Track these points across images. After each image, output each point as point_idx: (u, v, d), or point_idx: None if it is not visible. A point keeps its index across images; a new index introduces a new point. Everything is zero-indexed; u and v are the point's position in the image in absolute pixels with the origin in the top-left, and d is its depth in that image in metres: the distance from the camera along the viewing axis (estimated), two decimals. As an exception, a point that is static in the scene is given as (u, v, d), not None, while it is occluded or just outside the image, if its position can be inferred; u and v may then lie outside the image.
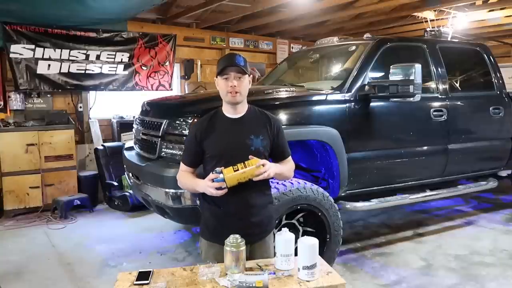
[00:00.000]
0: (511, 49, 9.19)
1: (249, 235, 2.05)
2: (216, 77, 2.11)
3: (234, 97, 2.06)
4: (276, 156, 2.23)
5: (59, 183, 5.54)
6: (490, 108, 4.54)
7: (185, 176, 2.20)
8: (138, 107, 4.03)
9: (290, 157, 2.29)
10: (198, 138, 2.13)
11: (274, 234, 2.15)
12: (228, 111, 2.14)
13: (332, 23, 7.65)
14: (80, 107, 6.29)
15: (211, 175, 1.99)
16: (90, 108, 6.41)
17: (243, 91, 2.08)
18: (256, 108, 2.22)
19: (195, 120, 3.05)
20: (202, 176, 2.14)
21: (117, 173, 5.82)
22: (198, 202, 2.98)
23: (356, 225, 4.87)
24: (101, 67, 6.19)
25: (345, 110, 3.55)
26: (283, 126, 3.18)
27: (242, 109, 2.15)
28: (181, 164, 2.23)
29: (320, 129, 3.38)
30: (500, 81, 4.74)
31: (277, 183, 3.14)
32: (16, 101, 5.66)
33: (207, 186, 2.00)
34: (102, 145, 5.99)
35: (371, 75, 3.76)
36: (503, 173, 4.96)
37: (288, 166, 2.25)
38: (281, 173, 2.17)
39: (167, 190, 3.03)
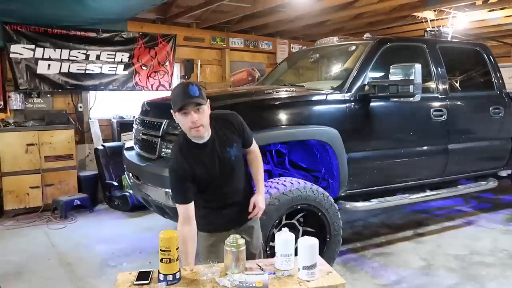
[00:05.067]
0: (511, 49, 9.18)
1: (236, 220, 2.32)
2: (174, 112, 2.03)
3: (198, 131, 2.01)
4: (243, 145, 2.31)
5: (59, 183, 5.54)
6: (490, 108, 4.53)
7: (182, 237, 1.98)
8: (138, 107, 4.02)
9: (254, 144, 2.38)
10: (186, 175, 2.08)
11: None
12: (195, 138, 2.10)
13: (332, 23, 7.65)
14: (80, 107, 6.29)
15: None
16: (90, 108, 6.41)
17: (205, 122, 2.03)
18: (215, 117, 2.15)
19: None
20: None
21: (117, 173, 5.82)
22: None
23: (356, 225, 4.87)
24: (101, 67, 6.19)
25: (345, 110, 3.55)
26: (283, 126, 3.23)
27: (207, 133, 2.10)
28: (178, 207, 2.10)
29: (320, 129, 3.38)
30: (500, 81, 4.74)
31: (277, 183, 3.14)
32: (16, 101, 5.66)
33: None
34: (102, 145, 5.99)
35: (371, 75, 3.76)
36: (503, 173, 4.95)
37: (256, 163, 2.39)
38: (263, 187, 2.40)
39: (167, 190, 3.03)
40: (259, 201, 2.30)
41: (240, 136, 2.24)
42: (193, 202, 2.11)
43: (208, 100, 2.06)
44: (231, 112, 2.29)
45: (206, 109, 2.04)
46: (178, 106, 1.98)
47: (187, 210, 2.09)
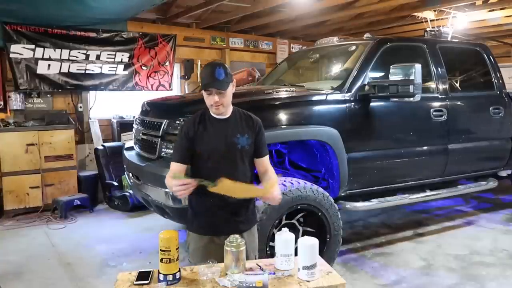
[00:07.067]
0: (511, 49, 9.19)
1: (238, 224, 2.21)
2: (201, 90, 2.18)
3: (217, 109, 2.15)
4: (254, 154, 2.29)
5: (59, 183, 5.54)
6: (490, 108, 4.53)
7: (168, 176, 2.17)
8: (138, 107, 4.03)
9: (267, 157, 2.33)
10: (190, 136, 2.19)
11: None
12: (215, 114, 2.22)
13: (332, 23, 7.65)
14: (80, 107, 6.29)
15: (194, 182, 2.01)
16: (90, 108, 6.41)
17: (226, 103, 2.15)
18: (240, 110, 2.30)
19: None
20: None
21: (117, 173, 5.82)
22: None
23: (356, 225, 4.87)
24: (101, 67, 6.19)
25: (345, 110, 3.55)
26: (283, 126, 3.24)
27: (228, 111, 2.22)
28: (171, 164, 2.24)
29: (320, 129, 3.38)
30: (500, 81, 4.74)
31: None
32: (16, 101, 5.66)
33: (173, 185, 2.03)
34: (102, 145, 5.99)
35: (371, 75, 3.76)
36: (503, 173, 4.95)
37: (271, 173, 2.30)
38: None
39: (167, 190, 3.02)
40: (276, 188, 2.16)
41: (253, 135, 2.24)
42: (185, 166, 2.21)
43: (234, 80, 2.20)
44: (257, 117, 2.33)
45: (230, 90, 2.15)
46: (203, 86, 2.13)
47: (178, 169, 2.19)
